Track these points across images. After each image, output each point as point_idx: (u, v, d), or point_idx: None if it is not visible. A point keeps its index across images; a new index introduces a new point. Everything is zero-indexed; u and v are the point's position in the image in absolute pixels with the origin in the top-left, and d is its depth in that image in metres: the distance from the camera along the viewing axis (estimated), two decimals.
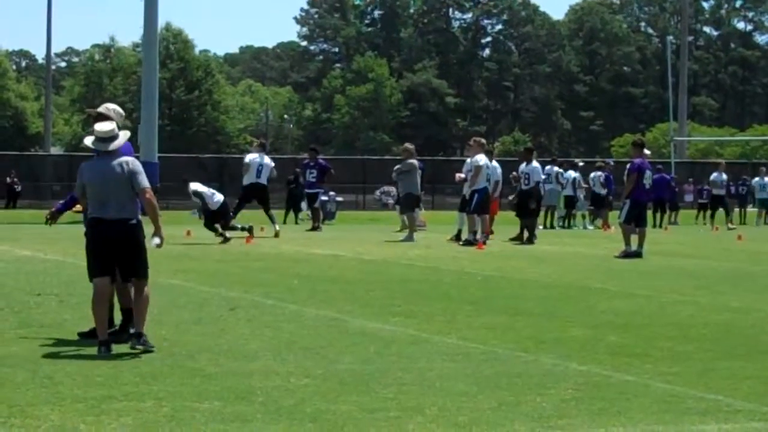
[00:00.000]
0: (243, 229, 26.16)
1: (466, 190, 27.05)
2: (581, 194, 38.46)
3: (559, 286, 16.67)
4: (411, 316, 12.88)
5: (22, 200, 59.32)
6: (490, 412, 7.81)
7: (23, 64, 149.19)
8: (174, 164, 59.84)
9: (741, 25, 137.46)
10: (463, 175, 27.27)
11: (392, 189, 45.20)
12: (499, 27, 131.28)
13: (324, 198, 37.50)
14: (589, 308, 13.99)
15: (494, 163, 28.30)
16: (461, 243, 26.27)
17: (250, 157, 28.83)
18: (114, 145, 10.37)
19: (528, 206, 28.06)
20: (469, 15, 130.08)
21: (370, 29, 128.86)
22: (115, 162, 10.35)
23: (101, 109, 11.12)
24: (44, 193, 62.83)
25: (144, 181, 10.39)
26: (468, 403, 8.10)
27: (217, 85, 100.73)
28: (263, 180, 28.61)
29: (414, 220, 28.30)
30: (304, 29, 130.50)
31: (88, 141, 10.49)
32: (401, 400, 8.15)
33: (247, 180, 28.62)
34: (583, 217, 38.93)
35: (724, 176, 42.72)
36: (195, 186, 26.09)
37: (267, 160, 28.93)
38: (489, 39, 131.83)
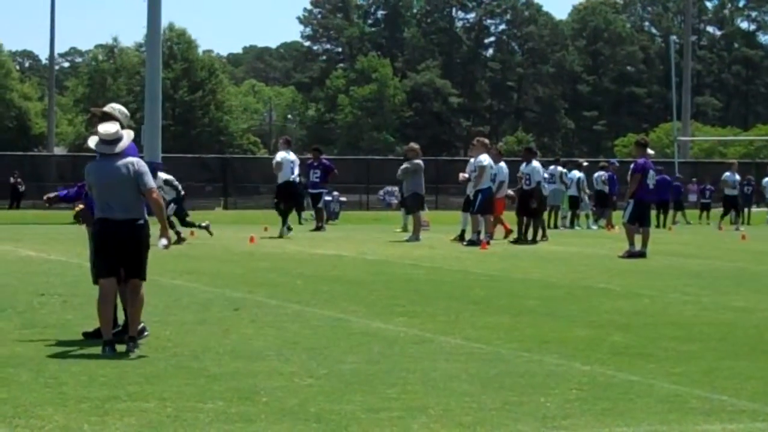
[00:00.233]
0: (200, 227, 26.37)
1: (470, 190, 27.06)
2: (585, 195, 38.45)
3: (563, 286, 16.67)
4: (415, 316, 12.88)
5: (25, 200, 59.32)
6: (494, 412, 7.81)
7: (26, 64, 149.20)
8: (178, 164, 59.81)
9: (744, 25, 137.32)
10: (466, 175, 27.29)
11: (395, 189, 45.14)
12: (502, 27, 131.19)
13: (327, 198, 37.52)
14: (592, 308, 13.98)
15: (501, 163, 28.32)
16: (465, 243, 26.27)
17: (280, 156, 28.86)
18: (119, 148, 10.36)
19: (529, 206, 28.00)
20: (473, 15, 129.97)
21: (373, 29, 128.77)
22: (121, 163, 10.34)
23: (106, 108, 11.09)
24: (48, 194, 62.75)
25: (150, 181, 10.40)
26: (472, 403, 8.10)
27: (220, 85, 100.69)
28: (296, 177, 28.74)
29: (420, 220, 28.29)
30: (308, 29, 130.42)
31: (92, 143, 10.46)
32: (405, 400, 8.15)
33: (281, 178, 28.71)
34: (587, 217, 38.91)
35: (737, 176, 42.30)
36: (165, 175, 25.99)
37: (294, 156, 29.10)
38: (492, 39, 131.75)
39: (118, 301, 10.66)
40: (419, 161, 28.17)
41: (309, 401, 8.06)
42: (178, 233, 24.82)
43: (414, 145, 29.34)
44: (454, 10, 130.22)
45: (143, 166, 10.45)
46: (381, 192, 61.52)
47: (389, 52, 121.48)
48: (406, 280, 17.36)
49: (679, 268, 20.57)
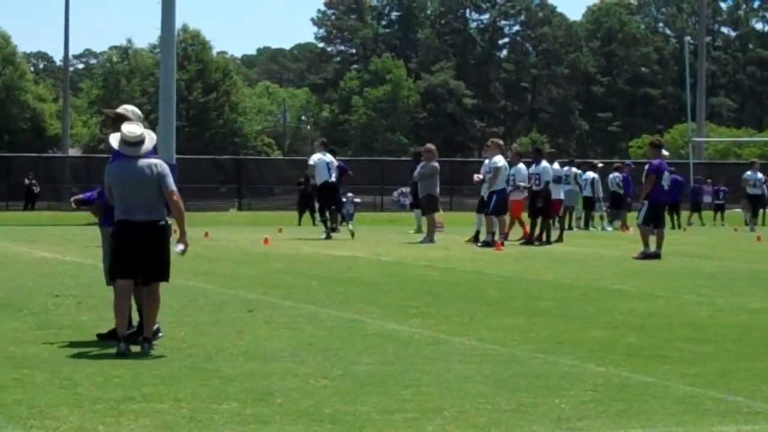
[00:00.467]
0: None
1: (485, 192, 27.03)
2: (599, 196, 38.40)
3: (578, 287, 16.65)
4: (429, 318, 12.88)
5: (40, 202, 59.54)
6: (509, 414, 7.80)
7: (41, 66, 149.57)
8: (192, 166, 59.93)
9: (759, 26, 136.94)
10: (481, 176, 27.27)
11: (408, 190, 45.09)
12: (516, 28, 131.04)
13: (342, 199, 37.48)
14: (607, 309, 13.96)
15: (521, 165, 28.28)
16: (479, 244, 26.26)
17: (315, 158, 29.00)
18: (144, 150, 10.33)
19: (535, 205, 27.86)
20: (487, 16, 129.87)
21: (387, 30, 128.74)
22: (144, 164, 10.32)
23: (120, 110, 11.07)
24: (62, 195, 62.92)
25: (172, 183, 10.38)
26: (486, 404, 8.09)
27: (234, 87, 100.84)
28: (334, 178, 28.79)
29: (434, 222, 28.25)
30: (321, 30, 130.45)
31: (114, 142, 10.39)
32: (420, 402, 8.15)
33: (319, 180, 28.80)
34: (602, 218, 38.87)
35: (759, 175, 41.80)
36: None
37: (331, 158, 29.11)
38: (506, 40, 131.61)
39: (132, 302, 10.67)
40: (435, 164, 28.14)
41: (324, 402, 8.06)
42: None
43: (430, 146, 29.30)
44: (468, 11, 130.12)
45: (166, 168, 10.43)
46: (395, 193, 61.46)
47: (403, 53, 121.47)
48: (421, 281, 17.35)
49: (694, 270, 20.53)
